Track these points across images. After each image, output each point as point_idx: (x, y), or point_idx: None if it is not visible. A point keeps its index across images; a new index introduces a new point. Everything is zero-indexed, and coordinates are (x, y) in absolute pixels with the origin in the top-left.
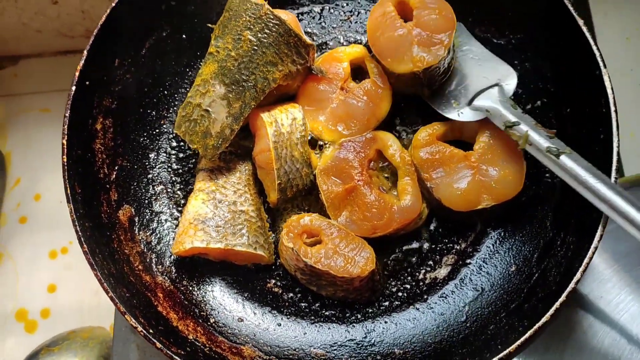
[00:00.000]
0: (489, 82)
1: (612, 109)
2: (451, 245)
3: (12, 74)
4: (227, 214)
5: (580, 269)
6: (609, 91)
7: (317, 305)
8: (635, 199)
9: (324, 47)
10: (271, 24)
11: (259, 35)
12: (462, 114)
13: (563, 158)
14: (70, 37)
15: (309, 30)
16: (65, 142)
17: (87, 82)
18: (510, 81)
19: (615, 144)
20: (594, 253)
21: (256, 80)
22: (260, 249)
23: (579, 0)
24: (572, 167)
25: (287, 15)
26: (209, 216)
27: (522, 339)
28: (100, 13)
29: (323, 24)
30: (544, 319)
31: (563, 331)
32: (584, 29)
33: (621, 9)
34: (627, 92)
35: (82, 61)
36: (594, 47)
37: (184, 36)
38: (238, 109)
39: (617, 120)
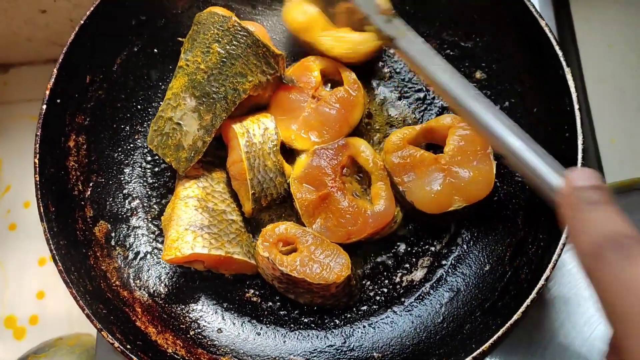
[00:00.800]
0: None
1: (576, 107)
2: (426, 247)
3: (3, 82)
4: (220, 222)
5: (550, 266)
6: (572, 90)
7: (295, 312)
8: (465, 83)
9: (294, 57)
10: (239, 36)
11: (227, 47)
12: None
13: (398, 44)
14: (59, 46)
15: (277, 39)
16: (37, 160)
17: (59, 100)
18: None
19: (580, 142)
20: (562, 250)
21: (226, 91)
22: (252, 258)
23: (561, 6)
24: (406, 50)
25: (254, 27)
26: (205, 223)
27: (495, 337)
28: None
29: None
30: (515, 317)
31: (545, 335)
32: (546, 29)
33: (603, 15)
34: (609, 99)
35: (52, 79)
36: (557, 47)
37: (155, 50)
38: (209, 121)
39: (581, 118)
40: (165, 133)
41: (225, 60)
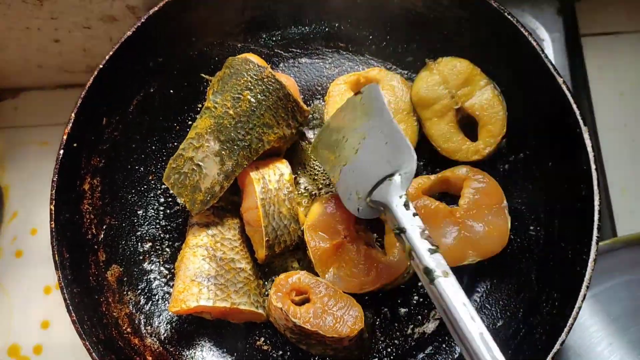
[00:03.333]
0: (388, 170)
1: (593, 167)
2: None
3: (12, 106)
4: (228, 271)
5: (565, 330)
6: (589, 149)
7: None
8: (494, 345)
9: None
10: (272, 87)
11: (259, 96)
12: (360, 210)
13: (437, 283)
14: (70, 73)
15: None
16: (52, 207)
17: (75, 144)
18: (409, 167)
19: (596, 202)
20: (577, 313)
21: (251, 140)
22: (260, 307)
23: (574, 54)
24: (442, 293)
25: (287, 80)
26: (212, 274)
27: None
28: (102, 51)
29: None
30: None
31: None
32: (564, 87)
33: (616, 64)
34: (620, 148)
35: (70, 124)
36: (574, 105)
37: (171, 91)
38: (230, 167)
39: (598, 179)
40: (184, 172)
41: (255, 109)
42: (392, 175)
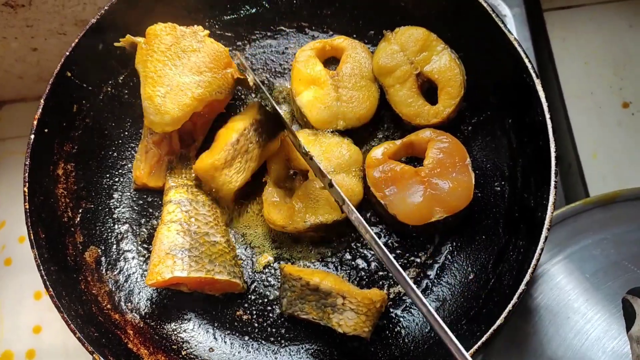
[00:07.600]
0: None
1: (547, 116)
2: (412, 259)
3: None
4: (202, 244)
5: (529, 271)
6: (543, 100)
7: (284, 328)
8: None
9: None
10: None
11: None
12: None
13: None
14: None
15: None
16: (26, 189)
17: (46, 130)
18: None
19: (552, 149)
20: (540, 254)
21: None
22: (236, 277)
23: (537, 28)
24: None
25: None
26: (186, 247)
27: (479, 343)
28: None
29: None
30: (498, 322)
31: (536, 349)
32: (515, 43)
33: (579, 34)
34: (588, 114)
35: (40, 110)
36: (526, 60)
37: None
38: None
39: (553, 127)
40: None
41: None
42: None
